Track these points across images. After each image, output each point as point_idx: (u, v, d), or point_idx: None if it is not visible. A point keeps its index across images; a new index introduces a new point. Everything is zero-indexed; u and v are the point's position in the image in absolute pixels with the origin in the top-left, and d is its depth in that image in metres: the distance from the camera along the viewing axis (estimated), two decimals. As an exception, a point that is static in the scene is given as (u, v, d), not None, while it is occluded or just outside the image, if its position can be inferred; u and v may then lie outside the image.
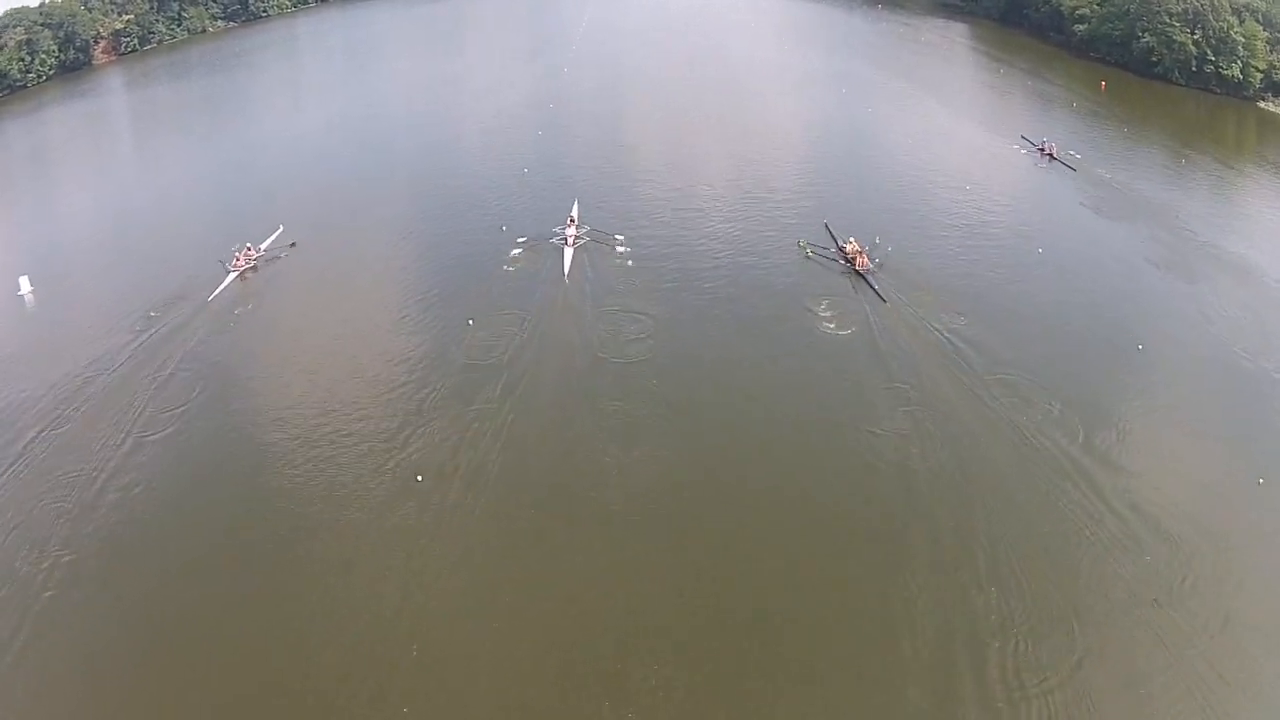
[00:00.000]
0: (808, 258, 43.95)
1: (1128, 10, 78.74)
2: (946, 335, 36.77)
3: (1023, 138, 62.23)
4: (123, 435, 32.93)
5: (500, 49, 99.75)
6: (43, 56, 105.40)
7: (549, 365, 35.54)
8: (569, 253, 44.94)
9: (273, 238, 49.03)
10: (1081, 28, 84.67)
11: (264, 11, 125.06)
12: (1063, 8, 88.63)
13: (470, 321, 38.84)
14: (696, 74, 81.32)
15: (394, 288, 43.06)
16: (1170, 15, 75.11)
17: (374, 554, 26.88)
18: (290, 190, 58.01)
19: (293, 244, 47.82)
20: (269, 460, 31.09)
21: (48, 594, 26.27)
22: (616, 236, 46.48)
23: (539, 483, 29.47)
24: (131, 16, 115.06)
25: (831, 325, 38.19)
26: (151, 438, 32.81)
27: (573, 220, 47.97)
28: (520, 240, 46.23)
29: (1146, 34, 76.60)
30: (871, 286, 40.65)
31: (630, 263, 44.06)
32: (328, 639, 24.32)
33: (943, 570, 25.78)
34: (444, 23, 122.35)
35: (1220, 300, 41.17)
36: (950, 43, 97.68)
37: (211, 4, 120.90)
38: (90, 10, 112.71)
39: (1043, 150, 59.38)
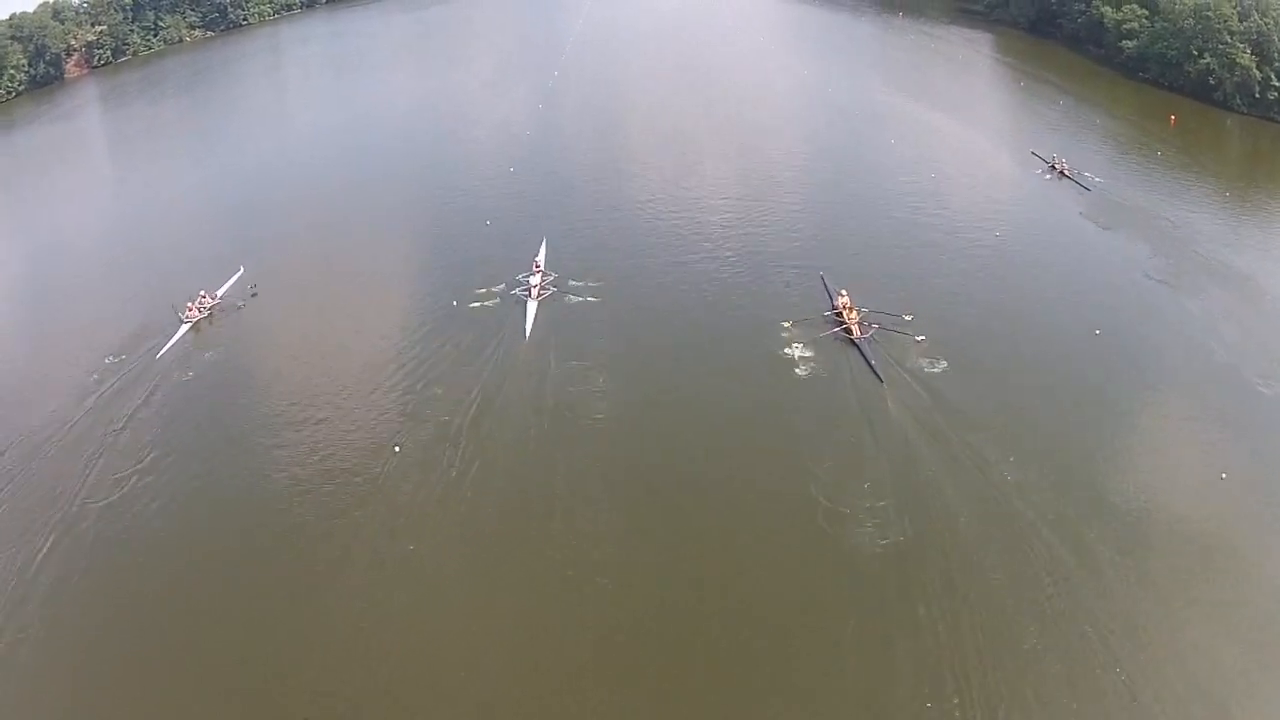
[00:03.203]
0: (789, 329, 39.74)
1: (1183, 28, 74.96)
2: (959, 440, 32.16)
3: (1033, 154, 60.36)
4: (61, 514, 30.98)
5: (479, 68, 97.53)
6: (11, 72, 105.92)
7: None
8: (532, 306, 42.68)
9: (232, 281, 47.33)
10: (1130, 44, 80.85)
11: (243, 20, 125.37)
12: (1105, 20, 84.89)
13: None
14: (697, 109, 75.92)
15: (356, 343, 41.03)
16: (1231, 34, 71.29)
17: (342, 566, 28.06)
18: (253, 226, 56.49)
19: (254, 293, 45.75)
20: (221, 530, 30.45)
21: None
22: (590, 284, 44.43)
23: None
24: (105, 27, 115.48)
25: (817, 422, 33.74)
26: (94, 510, 31.06)
27: (539, 267, 45.74)
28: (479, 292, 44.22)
29: (1206, 55, 72.82)
30: (867, 361, 37.14)
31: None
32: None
33: None
34: (425, 34, 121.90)
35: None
36: (983, 59, 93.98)
37: (189, 13, 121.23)
38: (62, 22, 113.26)
39: (1054, 167, 57.87)
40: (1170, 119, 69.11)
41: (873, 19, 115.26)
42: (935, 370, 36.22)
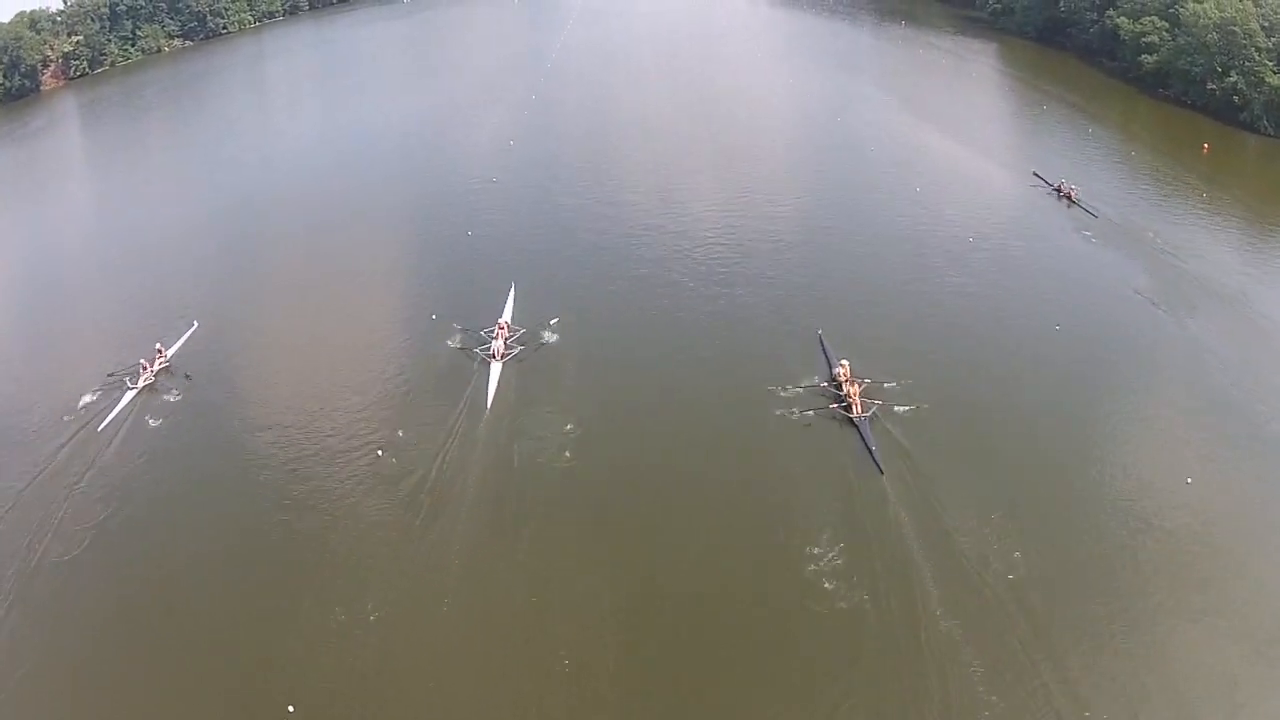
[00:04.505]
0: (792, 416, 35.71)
1: (1207, 42, 70.34)
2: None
3: (1035, 174, 57.98)
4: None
5: (453, 87, 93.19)
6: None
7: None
8: (496, 368, 38.71)
9: (184, 338, 43.85)
10: (1149, 59, 76.40)
11: (223, 28, 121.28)
12: (1120, 31, 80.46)
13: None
14: (685, 138, 70.59)
15: (302, 414, 37.54)
16: (1259, 51, 66.85)
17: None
18: (208, 272, 52.44)
19: (187, 376, 41.13)
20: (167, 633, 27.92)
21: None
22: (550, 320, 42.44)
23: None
24: (81, 37, 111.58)
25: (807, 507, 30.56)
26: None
27: (502, 327, 41.53)
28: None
29: (1232, 72, 68.29)
30: (867, 446, 32.99)
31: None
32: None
33: None
34: (402, 46, 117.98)
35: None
36: (993, 73, 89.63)
37: (167, 22, 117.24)
38: (39, 32, 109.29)
39: (1059, 190, 55.27)
40: (1204, 147, 64.54)
41: (873, 29, 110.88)
42: (938, 448, 32.89)
